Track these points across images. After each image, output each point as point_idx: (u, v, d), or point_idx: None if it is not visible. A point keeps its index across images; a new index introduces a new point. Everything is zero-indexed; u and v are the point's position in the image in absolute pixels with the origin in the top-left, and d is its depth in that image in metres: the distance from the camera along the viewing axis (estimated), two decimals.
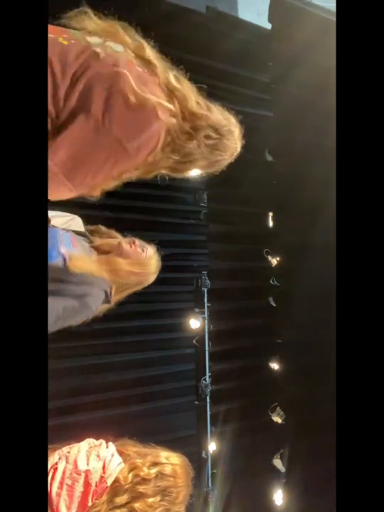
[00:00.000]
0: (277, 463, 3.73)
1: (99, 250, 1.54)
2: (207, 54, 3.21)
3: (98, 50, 1.00)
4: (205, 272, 4.10)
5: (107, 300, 1.45)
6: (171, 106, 1.04)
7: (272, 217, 4.07)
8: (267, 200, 4.02)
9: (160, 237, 3.88)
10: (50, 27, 0.99)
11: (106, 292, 1.43)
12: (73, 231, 1.58)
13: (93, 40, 1.03)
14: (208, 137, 1.10)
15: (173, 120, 1.05)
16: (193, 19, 3.01)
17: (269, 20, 3.04)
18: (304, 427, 3.36)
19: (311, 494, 3.14)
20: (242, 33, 3.25)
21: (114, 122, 0.96)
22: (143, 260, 1.53)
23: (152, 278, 1.59)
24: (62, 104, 0.96)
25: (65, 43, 0.98)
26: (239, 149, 1.19)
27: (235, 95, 3.51)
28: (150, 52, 1.08)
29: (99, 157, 0.99)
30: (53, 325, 1.26)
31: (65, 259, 1.29)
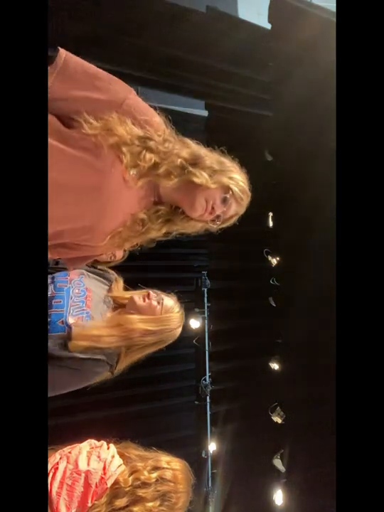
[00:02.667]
0: (277, 463, 3.73)
1: (116, 301, 1.45)
2: (207, 54, 3.20)
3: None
4: (205, 272, 4.11)
5: (110, 371, 1.33)
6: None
7: (272, 217, 4.06)
8: (267, 200, 4.01)
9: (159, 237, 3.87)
10: None
11: (111, 365, 1.31)
12: (94, 271, 1.51)
13: None
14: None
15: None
16: (193, 19, 3.01)
17: (269, 21, 3.04)
18: (304, 427, 3.36)
19: (311, 494, 3.14)
20: (242, 33, 3.25)
21: None
22: (159, 316, 1.38)
23: (176, 333, 1.43)
24: None
25: None
26: (244, 209, 1.19)
27: (235, 95, 3.51)
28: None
29: None
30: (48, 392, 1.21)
31: (70, 332, 1.22)
